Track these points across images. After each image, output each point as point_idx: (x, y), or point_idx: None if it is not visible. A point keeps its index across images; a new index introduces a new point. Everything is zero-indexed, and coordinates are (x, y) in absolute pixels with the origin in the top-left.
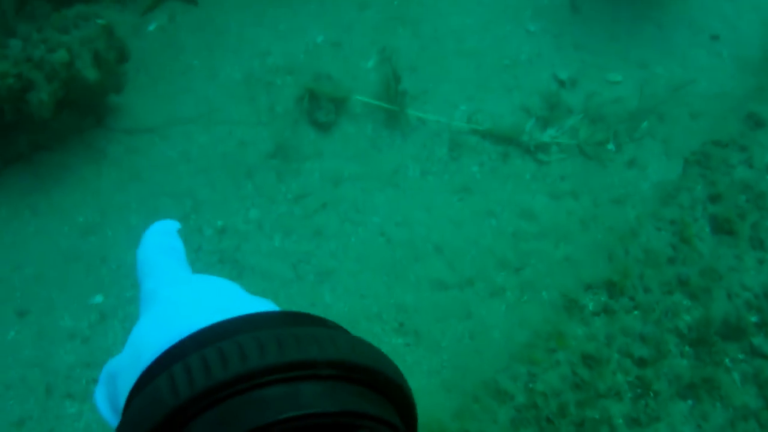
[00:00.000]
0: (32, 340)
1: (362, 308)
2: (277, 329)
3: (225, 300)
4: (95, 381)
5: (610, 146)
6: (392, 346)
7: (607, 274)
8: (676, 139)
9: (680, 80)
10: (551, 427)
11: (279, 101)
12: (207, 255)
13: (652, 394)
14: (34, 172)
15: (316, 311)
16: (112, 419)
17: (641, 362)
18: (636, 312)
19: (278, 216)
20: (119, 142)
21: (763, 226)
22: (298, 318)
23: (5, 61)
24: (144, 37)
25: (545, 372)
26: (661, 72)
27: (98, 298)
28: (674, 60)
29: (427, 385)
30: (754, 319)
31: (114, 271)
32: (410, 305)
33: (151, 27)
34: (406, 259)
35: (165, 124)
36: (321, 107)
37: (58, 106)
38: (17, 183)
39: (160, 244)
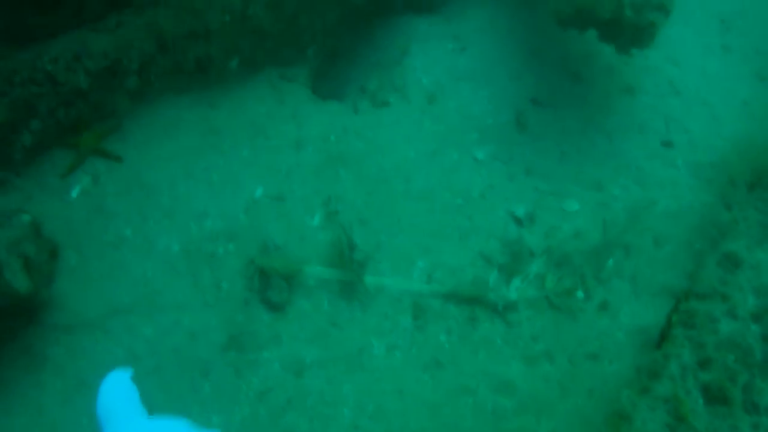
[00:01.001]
0: None
1: None
2: None
3: None
4: None
5: (579, 293)
6: None
7: None
8: (643, 274)
9: (638, 200)
10: None
11: (224, 276)
12: None
13: None
14: None
15: None
16: None
17: None
18: None
19: (242, 419)
20: (58, 343)
21: (755, 387)
22: None
23: None
24: (68, 205)
25: None
26: (617, 193)
27: None
28: (629, 175)
29: None
30: None
31: None
32: None
33: (74, 192)
34: None
35: (104, 315)
36: (272, 285)
37: None
38: None
39: (116, 394)
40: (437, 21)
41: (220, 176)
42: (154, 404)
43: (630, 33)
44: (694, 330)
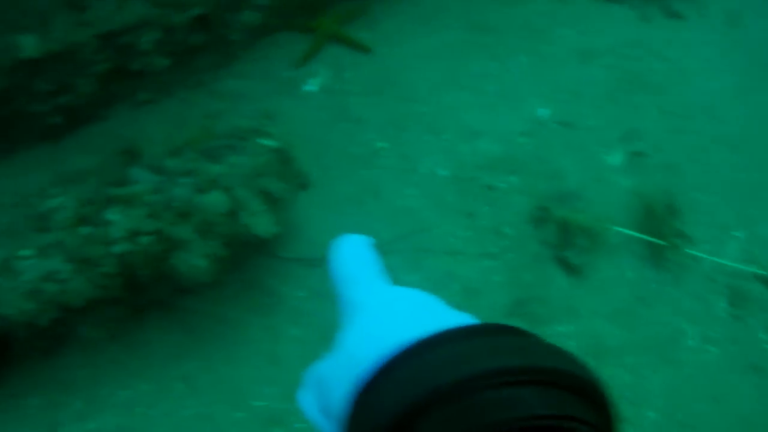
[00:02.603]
0: None
1: None
2: (489, 337)
3: (432, 312)
4: None
5: None
6: None
7: None
8: None
9: None
10: None
11: (506, 218)
12: None
13: None
14: (184, 328)
15: None
16: (320, 420)
17: None
18: None
19: None
20: (297, 282)
21: None
22: (507, 329)
23: (132, 208)
24: (302, 103)
25: None
26: None
27: None
28: None
29: None
30: None
31: None
32: None
33: (311, 86)
34: None
35: None
36: (572, 243)
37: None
38: (161, 341)
39: (359, 256)
40: None
41: (494, 87)
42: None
43: None
44: None
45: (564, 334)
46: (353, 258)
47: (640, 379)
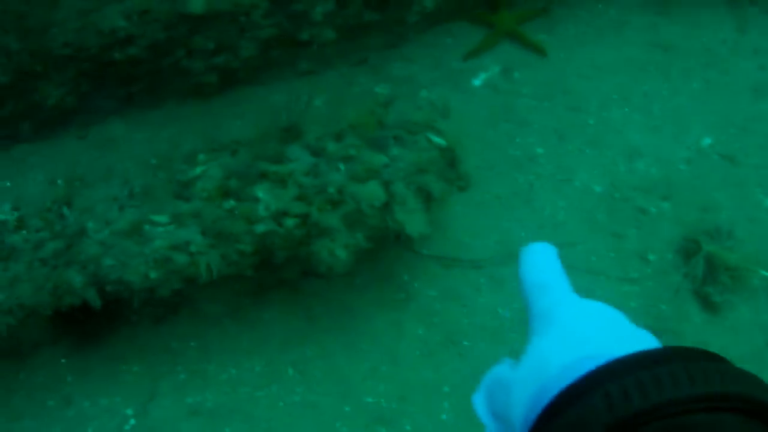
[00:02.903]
0: None
1: None
2: (696, 363)
3: (623, 330)
4: None
5: None
6: None
7: None
8: None
9: None
10: None
11: (653, 244)
12: None
13: None
14: (306, 313)
15: None
16: (491, 424)
17: None
18: None
19: None
20: (431, 280)
21: None
22: (705, 354)
23: (283, 188)
24: (467, 95)
25: None
26: None
27: None
28: None
29: None
30: None
31: None
32: None
33: (477, 81)
34: None
35: (495, 257)
36: (716, 280)
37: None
38: (280, 323)
39: (551, 265)
40: None
41: (662, 108)
42: None
43: None
44: None
45: None
46: (545, 266)
47: None
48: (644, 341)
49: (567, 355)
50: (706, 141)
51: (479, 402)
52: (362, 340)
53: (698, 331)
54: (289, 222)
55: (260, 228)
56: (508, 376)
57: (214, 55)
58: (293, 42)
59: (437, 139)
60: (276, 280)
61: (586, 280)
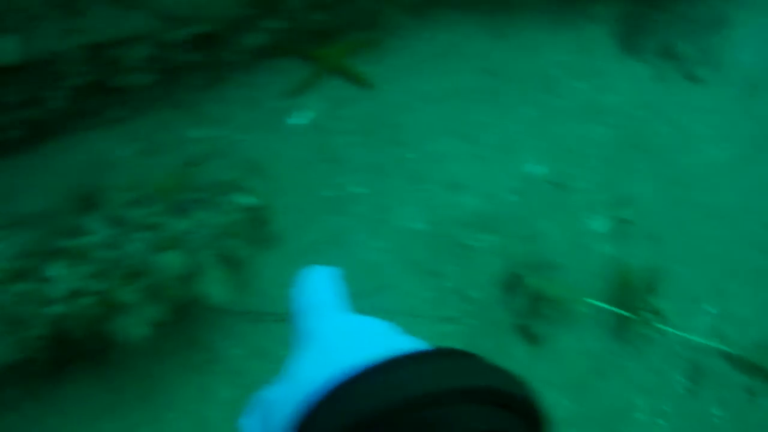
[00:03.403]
0: None
1: None
2: (435, 362)
3: (385, 339)
4: None
5: None
6: None
7: None
8: None
9: None
10: None
11: (475, 279)
12: None
13: None
14: (110, 385)
15: None
16: None
17: None
18: None
19: None
20: (238, 338)
21: None
22: (451, 352)
23: (79, 264)
24: (284, 136)
25: None
26: None
27: None
28: None
29: None
30: None
31: None
32: None
33: (298, 120)
34: None
35: None
36: (538, 312)
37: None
38: (81, 399)
39: (321, 287)
40: None
41: (491, 137)
42: None
43: None
44: None
45: None
46: (314, 289)
47: None
48: (408, 347)
49: (326, 369)
50: (536, 168)
51: (246, 425)
52: (169, 409)
53: (522, 365)
54: (86, 300)
55: (54, 310)
56: (271, 397)
57: (22, 107)
58: (106, 89)
59: (246, 199)
60: (76, 354)
61: (404, 323)
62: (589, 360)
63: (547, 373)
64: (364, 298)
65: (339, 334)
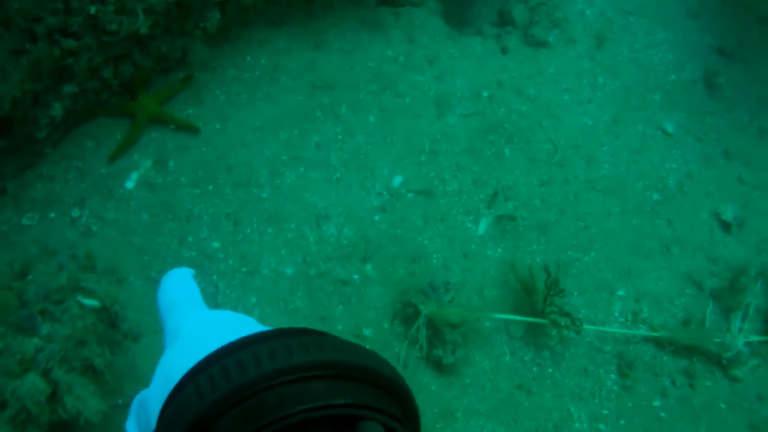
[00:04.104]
0: None
1: None
2: (285, 339)
3: (239, 328)
4: None
5: None
6: None
7: None
8: None
9: None
10: None
11: (365, 317)
12: None
13: None
14: None
15: None
16: None
17: None
18: None
19: None
20: None
21: None
22: (301, 330)
23: None
24: (121, 203)
25: None
26: None
27: None
28: None
29: None
30: None
31: None
32: None
33: (130, 183)
34: None
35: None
36: (444, 340)
37: None
38: None
39: (178, 287)
40: None
41: (341, 156)
42: None
43: None
44: None
45: None
46: (176, 286)
47: None
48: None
49: (186, 363)
50: (396, 179)
51: (130, 427)
52: None
53: (438, 399)
54: None
55: None
56: (145, 395)
57: None
58: None
59: (89, 301)
60: None
61: None
62: (510, 378)
63: (470, 403)
64: None
65: (200, 327)
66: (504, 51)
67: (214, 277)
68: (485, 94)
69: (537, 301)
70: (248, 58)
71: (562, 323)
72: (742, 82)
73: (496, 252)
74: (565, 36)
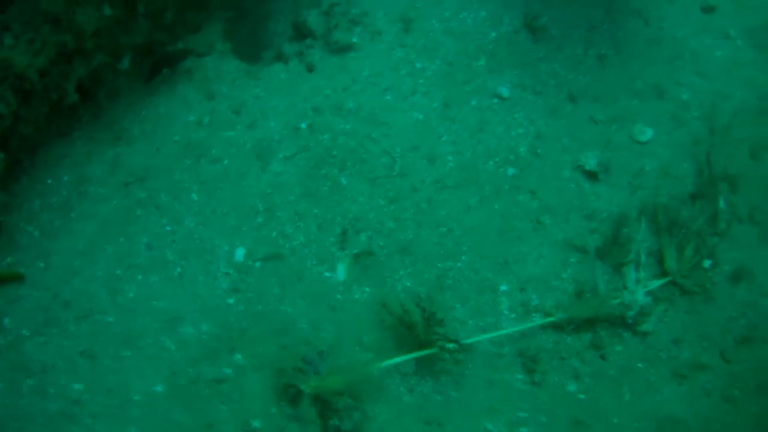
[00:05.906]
0: None
1: None
2: None
3: None
4: None
5: (706, 263)
6: None
7: None
8: (764, 206)
9: (708, 97)
10: None
11: (251, 410)
12: None
13: None
14: None
15: None
16: None
17: None
18: None
19: None
20: None
21: None
22: None
23: None
24: None
25: None
26: (686, 97)
27: None
28: (686, 66)
29: None
30: None
31: None
32: None
33: None
34: None
35: None
36: (337, 410)
37: None
38: None
39: None
40: None
41: (175, 248)
42: None
43: None
44: None
45: None
46: None
47: None
48: None
49: None
50: (240, 252)
51: None
52: None
53: None
54: None
55: None
56: None
57: None
58: None
59: None
60: None
61: None
62: (416, 417)
63: None
64: None
65: None
66: (310, 69)
67: (89, 421)
68: (303, 125)
69: (419, 333)
70: (49, 181)
71: (451, 347)
72: (565, 15)
73: (364, 293)
74: (368, 31)
